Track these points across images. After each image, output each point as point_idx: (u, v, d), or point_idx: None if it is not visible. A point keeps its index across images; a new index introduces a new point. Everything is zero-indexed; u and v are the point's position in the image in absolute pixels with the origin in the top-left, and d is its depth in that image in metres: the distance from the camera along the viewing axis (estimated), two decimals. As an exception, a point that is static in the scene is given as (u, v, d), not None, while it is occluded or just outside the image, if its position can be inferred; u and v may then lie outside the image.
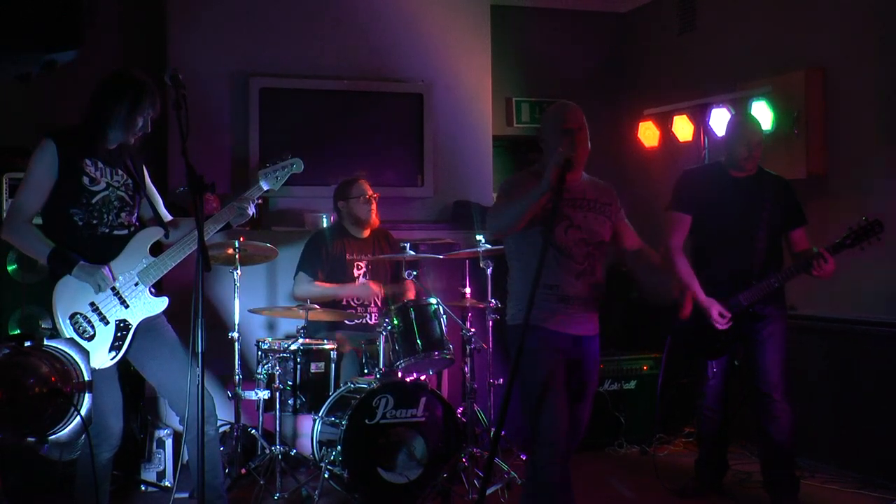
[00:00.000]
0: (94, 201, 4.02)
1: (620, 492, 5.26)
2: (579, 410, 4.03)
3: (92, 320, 4.01)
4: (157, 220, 4.27)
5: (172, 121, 5.59)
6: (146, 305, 4.09)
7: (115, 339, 4.03)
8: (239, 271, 5.18)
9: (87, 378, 3.70)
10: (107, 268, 3.99)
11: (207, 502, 4.01)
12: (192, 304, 3.48)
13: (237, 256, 5.14)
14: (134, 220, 4.18)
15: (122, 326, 4.04)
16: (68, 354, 3.77)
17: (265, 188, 4.36)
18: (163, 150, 6.16)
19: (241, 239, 5.16)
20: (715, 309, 4.77)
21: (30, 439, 3.91)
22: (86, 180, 3.99)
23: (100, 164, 4.04)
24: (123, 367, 4.21)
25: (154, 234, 4.17)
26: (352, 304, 5.65)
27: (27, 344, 4.34)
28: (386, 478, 4.82)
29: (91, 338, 4.00)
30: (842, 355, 5.66)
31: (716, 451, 5.26)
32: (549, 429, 3.85)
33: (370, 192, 5.68)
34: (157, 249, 4.16)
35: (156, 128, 4.20)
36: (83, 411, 3.67)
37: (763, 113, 5.88)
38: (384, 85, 6.57)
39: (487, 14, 6.91)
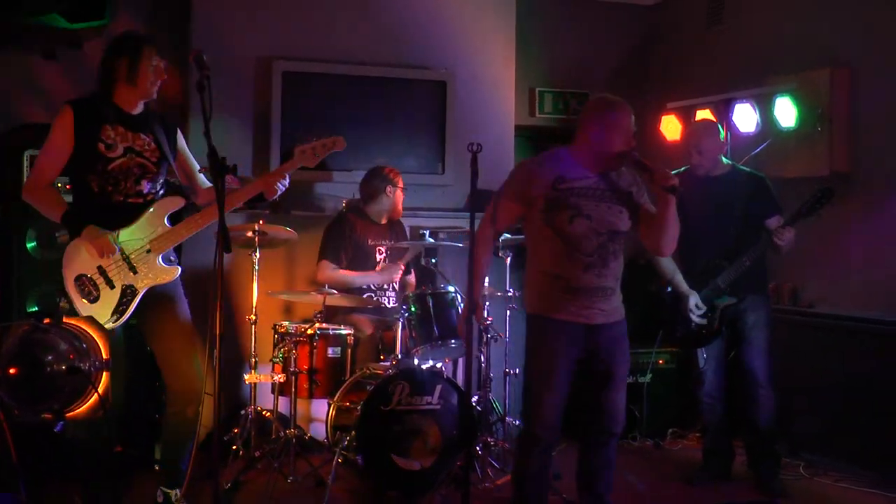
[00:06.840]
0: (109, 168, 4.06)
1: (634, 485, 5.24)
2: (606, 398, 4.05)
3: (97, 283, 4.08)
4: (192, 186, 4.33)
5: (195, 103, 5.63)
6: (156, 273, 4.12)
7: (120, 303, 4.08)
8: (258, 254, 5.20)
9: (106, 356, 3.72)
10: (112, 235, 4.04)
11: (171, 481, 4.15)
12: (210, 286, 3.48)
13: (256, 240, 5.15)
14: (157, 189, 4.20)
15: (129, 292, 4.08)
16: (87, 332, 3.78)
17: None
18: (184, 132, 6.14)
19: (261, 222, 5.17)
20: (692, 300, 5.11)
21: (46, 416, 3.93)
22: (101, 147, 4.05)
23: (120, 129, 4.09)
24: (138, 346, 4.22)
25: (173, 203, 4.20)
26: (371, 287, 5.65)
27: (46, 321, 4.36)
28: (400, 464, 4.82)
29: (95, 299, 4.06)
30: (859, 354, 5.61)
31: (722, 439, 5.40)
32: (536, 421, 3.97)
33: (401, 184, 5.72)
34: (177, 219, 4.18)
35: (177, 110, 4.20)
36: (101, 389, 3.68)
37: (787, 109, 5.84)
38: (407, 72, 6.55)
39: (512, 3, 6.87)
